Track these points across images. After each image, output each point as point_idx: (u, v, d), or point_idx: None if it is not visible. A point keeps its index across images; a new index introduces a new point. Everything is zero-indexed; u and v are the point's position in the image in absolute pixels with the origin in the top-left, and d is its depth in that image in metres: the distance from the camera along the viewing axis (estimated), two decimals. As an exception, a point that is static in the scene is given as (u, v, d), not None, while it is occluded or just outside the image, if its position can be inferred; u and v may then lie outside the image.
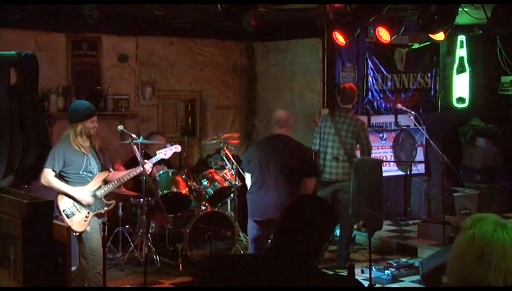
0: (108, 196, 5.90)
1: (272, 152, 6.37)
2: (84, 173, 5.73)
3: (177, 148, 6.84)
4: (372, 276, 6.82)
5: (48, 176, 5.62)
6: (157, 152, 6.56)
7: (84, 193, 5.70)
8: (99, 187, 5.80)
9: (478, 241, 1.97)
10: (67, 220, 5.57)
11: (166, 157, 6.71)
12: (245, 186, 6.77)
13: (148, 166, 6.19)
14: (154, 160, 6.42)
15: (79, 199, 5.66)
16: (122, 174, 6.00)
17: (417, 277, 6.91)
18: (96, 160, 5.81)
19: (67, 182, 5.69)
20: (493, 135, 10.34)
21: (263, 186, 6.29)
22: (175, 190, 7.62)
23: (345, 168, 7.48)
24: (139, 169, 6.05)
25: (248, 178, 6.50)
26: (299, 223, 2.32)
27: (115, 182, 5.87)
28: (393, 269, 7.20)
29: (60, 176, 5.68)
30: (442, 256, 6.40)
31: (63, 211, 5.64)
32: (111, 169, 6.00)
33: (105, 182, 5.85)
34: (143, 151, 6.58)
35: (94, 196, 5.77)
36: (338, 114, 7.68)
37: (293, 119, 6.87)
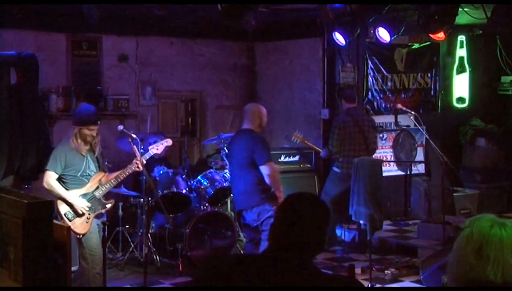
0: (107, 196, 5.91)
1: (235, 146, 6.70)
2: (82, 176, 5.74)
3: (168, 142, 6.80)
4: (372, 276, 6.82)
5: (50, 179, 5.62)
6: (149, 147, 6.53)
7: (82, 201, 5.71)
8: (97, 188, 5.80)
9: (475, 236, 1.99)
10: (70, 224, 5.56)
11: (159, 151, 6.68)
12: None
13: (140, 161, 6.10)
14: (147, 155, 6.39)
15: (77, 207, 5.66)
16: (118, 173, 5.98)
17: (417, 277, 6.91)
18: (95, 163, 5.82)
19: (64, 183, 5.70)
20: (493, 135, 10.34)
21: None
22: (175, 190, 7.63)
23: None
24: (133, 166, 6.03)
25: None
26: (296, 222, 2.32)
27: (112, 181, 5.86)
28: (393, 269, 7.20)
29: (59, 177, 5.68)
30: (442, 256, 6.40)
31: (65, 214, 5.65)
32: (107, 173, 5.99)
33: (101, 182, 5.84)
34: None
35: (93, 197, 5.77)
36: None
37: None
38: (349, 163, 7.99)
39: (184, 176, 7.90)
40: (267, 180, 6.30)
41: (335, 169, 8.20)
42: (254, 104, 7.19)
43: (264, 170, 6.30)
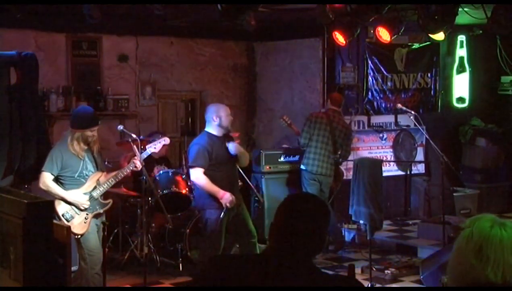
0: (105, 195, 5.90)
1: None
2: (79, 176, 5.73)
3: (166, 140, 6.79)
4: (372, 276, 6.82)
5: (47, 180, 5.61)
6: (147, 146, 6.53)
7: (81, 197, 5.70)
8: (95, 188, 5.79)
9: (476, 237, 2.00)
10: (68, 224, 5.56)
11: (156, 150, 6.68)
12: (245, 186, 6.86)
13: (138, 161, 6.10)
14: (144, 154, 6.38)
15: (76, 203, 5.66)
16: (116, 172, 5.97)
17: (417, 277, 6.91)
18: (93, 163, 5.81)
19: (62, 184, 5.69)
20: (493, 135, 10.35)
21: None
22: (175, 189, 7.62)
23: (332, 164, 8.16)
24: (132, 165, 6.03)
25: None
26: (297, 222, 2.32)
27: (110, 180, 5.85)
28: (393, 269, 7.20)
29: (56, 179, 5.68)
30: (442, 256, 6.40)
31: (62, 215, 5.64)
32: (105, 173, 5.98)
33: (99, 182, 5.83)
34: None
35: (91, 197, 5.76)
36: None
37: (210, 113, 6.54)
38: (315, 160, 8.04)
39: (184, 176, 7.89)
40: None
41: (302, 166, 8.22)
42: (214, 104, 6.97)
43: (190, 175, 6.30)
